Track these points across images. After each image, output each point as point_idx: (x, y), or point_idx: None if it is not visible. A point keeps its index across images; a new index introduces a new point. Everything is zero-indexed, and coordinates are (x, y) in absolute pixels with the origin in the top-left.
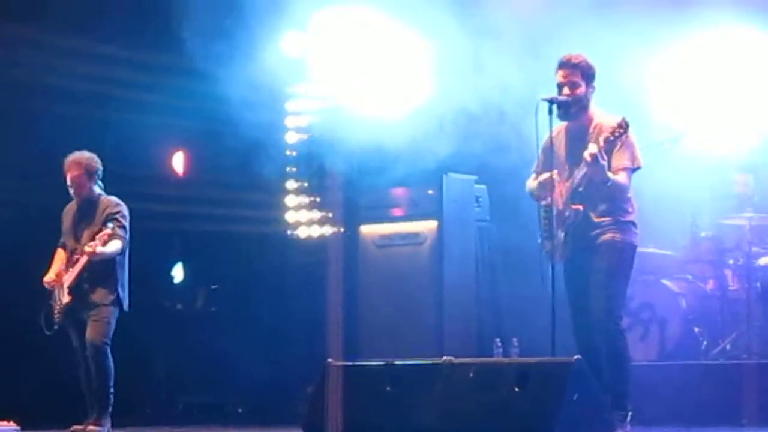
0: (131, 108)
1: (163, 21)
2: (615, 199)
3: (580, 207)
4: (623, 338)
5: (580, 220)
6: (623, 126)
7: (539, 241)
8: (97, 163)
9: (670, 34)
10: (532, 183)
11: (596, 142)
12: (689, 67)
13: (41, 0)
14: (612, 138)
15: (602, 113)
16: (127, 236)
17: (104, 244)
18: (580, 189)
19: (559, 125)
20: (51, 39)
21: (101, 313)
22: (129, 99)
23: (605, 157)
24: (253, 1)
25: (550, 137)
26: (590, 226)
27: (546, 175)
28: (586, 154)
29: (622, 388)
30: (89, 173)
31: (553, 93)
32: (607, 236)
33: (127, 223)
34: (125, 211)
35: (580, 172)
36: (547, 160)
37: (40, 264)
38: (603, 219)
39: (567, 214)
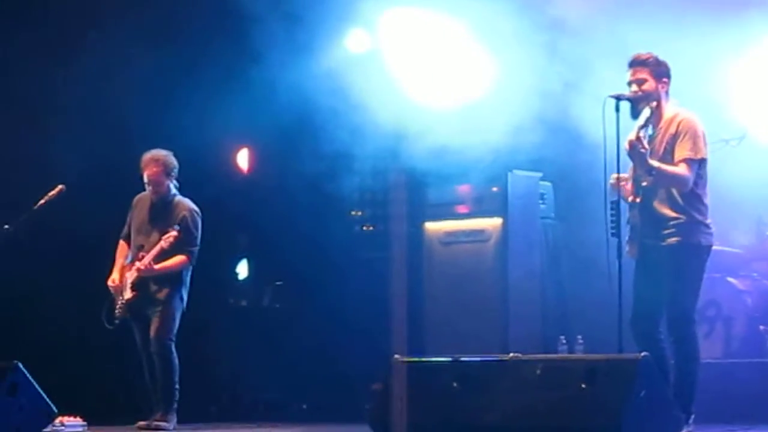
0: (198, 105)
1: (229, 18)
2: (684, 197)
3: (637, 199)
4: (693, 342)
5: (645, 216)
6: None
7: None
8: (175, 161)
9: (745, 35)
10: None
11: (674, 131)
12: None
13: None
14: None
15: (676, 109)
16: (197, 249)
17: (169, 246)
18: (644, 183)
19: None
20: (121, 35)
21: (166, 309)
22: (195, 96)
23: (645, 147)
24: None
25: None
26: (659, 225)
27: (623, 175)
28: (625, 143)
29: (689, 392)
30: (167, 171)
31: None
32: (675, 238)
33: (198, 234)
34: (199, 222)
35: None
36: None
37: (105, 262)
38: (672, 218)
39: (636, 208)
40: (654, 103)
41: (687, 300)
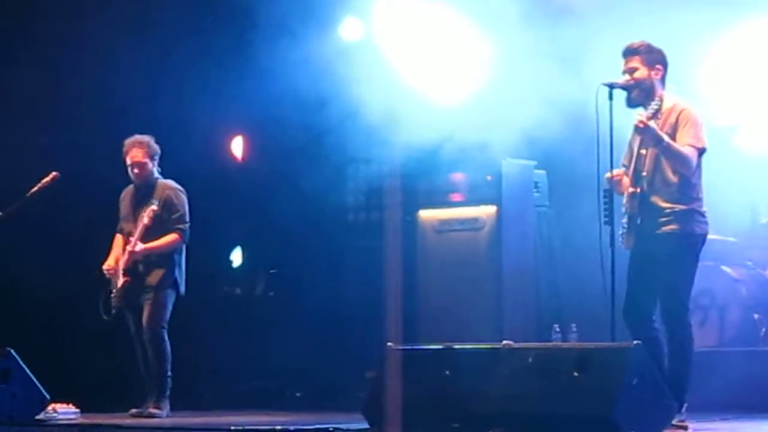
0: (191, 93)
1: (224, 6)
2: (680, 186)
3: (637, 189)
4: (688, 331)
5: (643, 206)
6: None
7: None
8: (157, 146)
9: (728, 19)
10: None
11: (674, 122)
12: (745, 55)
13: None
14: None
15: (674, 99)
16: (187, 225)
17: (151, 221)
18: (644, 173)
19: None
20: (112, 20)
21: (157, 297)
22: (189, 84)
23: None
24: None
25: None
26: (655, 214)
27: (616, 171)
28: (637, 122)
29: (682, 381)
30: (151, 154)
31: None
32: (671, 227)
33: (185, 210)
34: (183, 198)
35: (642, 155)
36: (627, 152)
37: (99, 249)
38: (668, 207)
39: (629, 200)
40: (657, 94)
41: (682, 288)
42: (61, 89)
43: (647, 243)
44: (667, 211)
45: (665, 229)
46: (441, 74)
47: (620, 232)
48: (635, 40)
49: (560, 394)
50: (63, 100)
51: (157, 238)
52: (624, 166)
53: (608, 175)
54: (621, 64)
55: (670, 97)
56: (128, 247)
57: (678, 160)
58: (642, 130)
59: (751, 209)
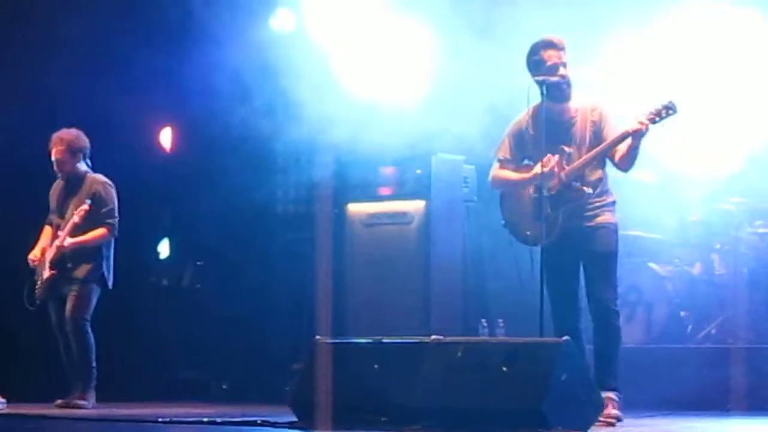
0: (119, 83)
1: None
2: (605, 179)
3: (590, 190)
4: (619, 319)
5: (581, 201)
6: (671, 107)
7: (503, 223)
8: (84, 140)
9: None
10: (502, 172)
11: (597, 119)
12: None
13: None
14: (657, 119)
15: (581, 97)
16: (116, 220)
17: (81, 219)
18: (583, 171)
19: (524, 111)
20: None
21: (82, 289)
22: (117, 73)
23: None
24: None
25: (519, 122)
26: (585, 207)
27: (533, 165)
28: (639, 125)
29: (615, 368)
30: (72, 150)
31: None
32: (603, 218)
33: (114, 206)
34: (113, 192)
35: (578, 152)
36: (518, 146)
37: (26, 238)
38: (596, 200)
39: (573, 195)
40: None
41: (614, 278)
42: None
43: (571, 237)
44: (597, 203)
45: (599, 220)
46: (371, 68)
47: (524, 229)
48: (553, 34)
49: (489, 388)
50: None
51: (85, 232)
52: (504, 160)
53: (546, 160)
54: (547, 55)
55: (576, 95)
56: (56, 242)
57: (635, 161)
58: (643, 133)
59: (679, 207)
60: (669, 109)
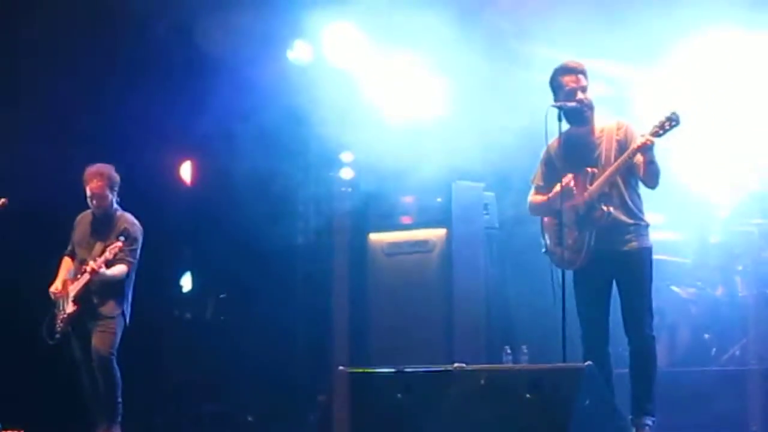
0: (140, 117)
1: (173, 30)
2: (635, 202)
3: (611, 209)
4: (655, 343)
5: (609, 223)
6: (674, 119)
7: (544, 250)
8: (117, 176)
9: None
10: (537, 197)
11: (623, 138)
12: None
13: None
14: (661, 132)
15: (604, 118)
16: (136, 261)
17: (113, 256)
18: (606, 190)
19: (555, 137)
20: (63, 48)
21: (108, 324)
22: (139, 107)
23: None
24: (264, 10)
25: (548, 149)
26: (620, 231)
27: (558, 187)
28: (643, 141)
29: (652, 392)
30: (110, 185)
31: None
32: (637, 243)
33: (138, 246)
34: (140, 235)
35: (604, 174)
36: (549, 172)
37: (47, 270)
38: (632, 222)
39: (596, 215)
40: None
41: (650, 304)
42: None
43: (604, 261)
44: (632, 227)
45: (633, 245)
46: (391, 99)
47: (559, 252)
48: (573, 59)
49: (513, 416)
50: (12, 124)
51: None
52: (538, 187)
53: (566, 181)
54: (566, 80)
55: (599, 117)
56: (89, 267)
57: (658, 175)
58: (649, 147)
59: (701, 230)
60: (672, 121)
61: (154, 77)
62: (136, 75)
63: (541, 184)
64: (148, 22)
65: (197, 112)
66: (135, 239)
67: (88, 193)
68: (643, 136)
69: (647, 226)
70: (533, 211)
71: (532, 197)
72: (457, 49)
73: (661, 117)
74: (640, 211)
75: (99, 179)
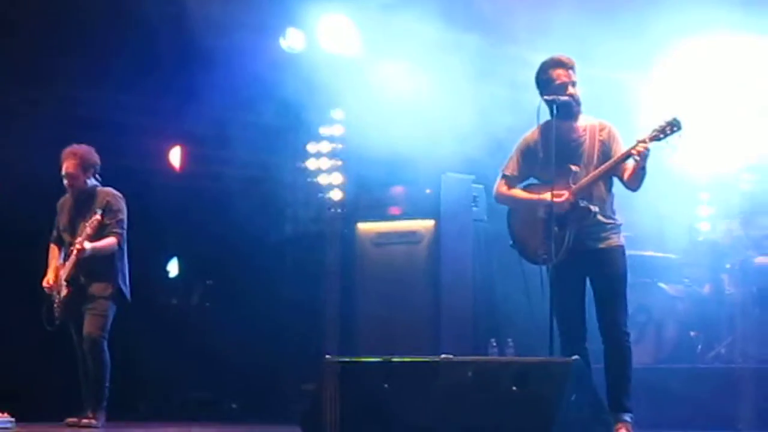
0: (130, 102)
1: (166, 17)
2: (610, 201)
3: (596, 208)
4: (629, 340)
5: (589, 221)
6: (676, 124)
7: (511, 243)
8: (95, 157)
9: (668, 39)
10: (509, 190)
11: (606, 138)
12: (684, 75)
13: None
14: (662, 136)
15: (587, 117)
16: (125, 231)
17: (94, 230)
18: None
19: (533, 128)
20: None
21: (98, 306)
22: (127, 93)
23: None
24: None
25: (526, 139)
26: (597, 229)
27: (539, 183)
28: (640, 146)
29: (628, 389)
30: (84, 166)
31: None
32: (612, 241)
33: (124, 216)
34: (122, 204)
35: (590, 174)
36: (528, 163)
37: (41, 257)
38: (609, 222)
39: (576, 214)
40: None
41: (626, 301)
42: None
43: (580, 258)
44: (609, 225)
45: (610, 243)
46: (381, 88)
47: (532, 247)
48: (563, 53)
49: (499, 408)
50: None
51: (95, 242)
52: (511, 177)
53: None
54: (557, 74)
55: (582, 115)
56: (75, 247)
57: (644, 179)
58: (645, 153)
59: (689, 226)
60: (673, 126)
61: (144, 62)
62: (127, 60)
63: (516, 174)
64: (141, 9)
65: (188, 98)
66: (118, 209)
67: (63, 172)
68: (642, 141)
69: (620, 225)
70: (503, 201)
71: (503, 188)
72: (449, 42)
73: (662, 121)
74: (614, 210)
75: (72, 158)
